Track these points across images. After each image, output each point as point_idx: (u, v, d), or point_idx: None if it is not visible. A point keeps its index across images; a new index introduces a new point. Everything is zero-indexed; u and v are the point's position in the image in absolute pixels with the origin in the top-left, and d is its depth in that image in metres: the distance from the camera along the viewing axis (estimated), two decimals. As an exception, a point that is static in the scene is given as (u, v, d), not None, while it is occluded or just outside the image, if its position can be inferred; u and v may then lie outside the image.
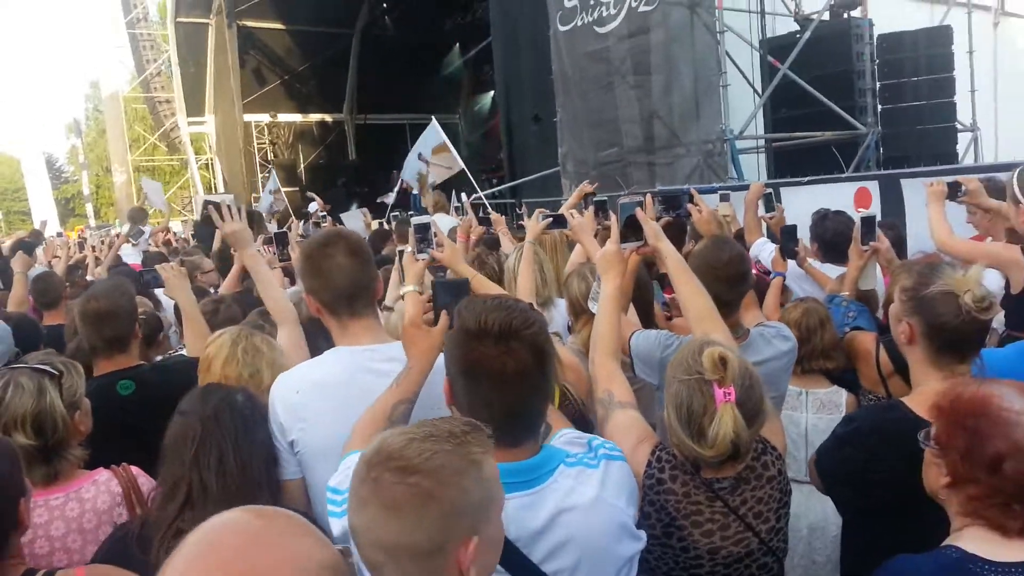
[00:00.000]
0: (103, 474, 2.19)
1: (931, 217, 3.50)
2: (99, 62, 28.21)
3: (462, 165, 10.02)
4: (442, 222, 8.30)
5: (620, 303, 2.32)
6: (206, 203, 8.99)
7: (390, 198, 14.62)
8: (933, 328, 2.00)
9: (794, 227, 4.06)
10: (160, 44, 25.05)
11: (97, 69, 29.94)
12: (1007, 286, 3.30)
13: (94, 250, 7.49)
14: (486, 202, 10.18)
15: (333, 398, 2.04)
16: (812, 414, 3.22)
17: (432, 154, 10.41)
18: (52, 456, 2.10)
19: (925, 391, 1.97)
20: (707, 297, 2.31)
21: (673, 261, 2.34)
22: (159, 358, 3.65)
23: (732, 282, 2.52)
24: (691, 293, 2.32)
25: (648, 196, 2.80)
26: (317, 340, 2.70)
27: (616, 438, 1.88)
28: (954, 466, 1.51)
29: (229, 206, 2.70)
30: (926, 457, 1.62)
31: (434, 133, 10.31)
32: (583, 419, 2.40)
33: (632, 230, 2.38)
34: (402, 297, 2.16)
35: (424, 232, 2.74)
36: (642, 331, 2.57)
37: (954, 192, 3.61)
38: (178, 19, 21.27)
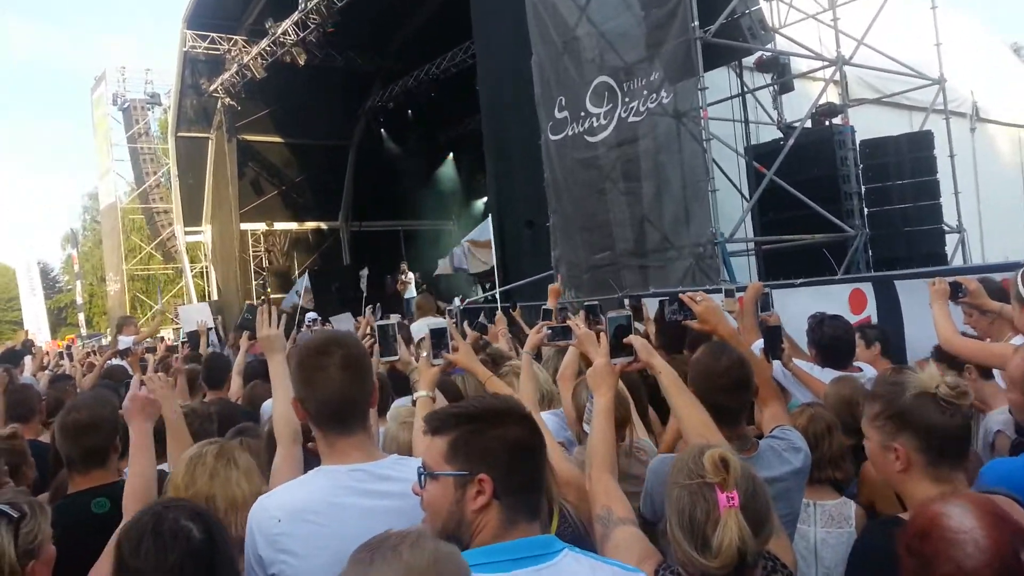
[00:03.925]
0: None
1: (936, 316, 3.45)
2: (98, 175, 28.80)
3: (493, 263, 10.33)
4: (422, 327, 8.32)
5: (613, 417, 2.25)
6: (249, 306, 9.26)
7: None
8: (926, 434, 1.90)
9: (778, 327, 4.01)
10: (160, 157, 25.78)
11: (96, 181, 30.58)
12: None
13: (83, 363, 7.38)
14: (499, 304, 10.25)
15: (318, 525, 1.88)
16: (821, 528, 3.06)
17: (474, 246, 10.75)
18: None
19: None
20: (702, 410, 2.29)
21: (666, 375, 2.34)
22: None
23: (732, 390, 2.43)
24: (685, 406, 2.29)
25: (659, 302, 2.78)
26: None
27: (618, 556, 1.77)
28: None
29: (271, 312, 2.72)
30: None
31: (486, 228, 10.69)
32: (582, 543, 2.26)
33: (622, 343, 2.39)
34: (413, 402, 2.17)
35: (440, 337, 2.73)
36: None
37: (955, 292, 3.58)
38: (179, 134, 21.95)
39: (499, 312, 6.26)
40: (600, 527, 1.97)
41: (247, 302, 17.64)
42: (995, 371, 3.63)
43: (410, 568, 1.09)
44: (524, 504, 1.59)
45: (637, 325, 5.72)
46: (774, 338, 3.83)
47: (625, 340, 2.38)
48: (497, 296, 10.97)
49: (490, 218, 11.32)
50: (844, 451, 3.03)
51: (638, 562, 1.79)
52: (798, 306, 4.73)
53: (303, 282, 17.21)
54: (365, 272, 17.23)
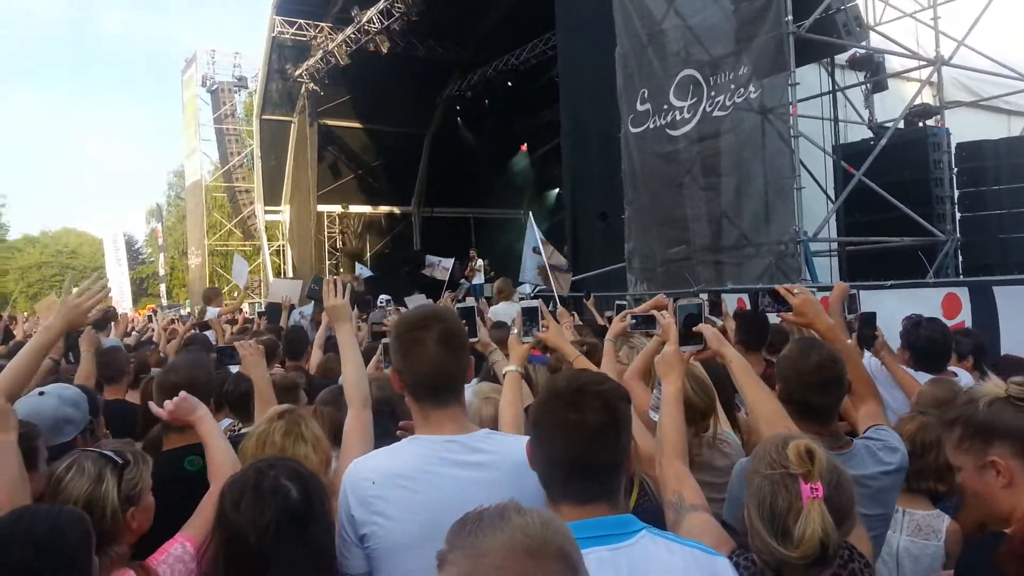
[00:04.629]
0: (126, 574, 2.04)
1: None
2: (185, 153, 29.91)
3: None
4: (505, 309, 8.37)
5: (682, 404, 2.24)
6: (316, 277, 9.59)
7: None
8: (1019, 435, 1.82)
9: (873, 314, 3.86)
10: (244, 138, 26.59)
11: (183, 159, 31.77)
12: None
13: (166, 330, 7.68)
14: (556, 295, 10.23)
15: (411, 491, 1.90)
16: (906, 536, 2.94)
17: (543, 245, 10.80)
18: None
19: None
20: (775, 401, 2.27)
21: (736, 364, 2.31)
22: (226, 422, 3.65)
23: (822, 388, 2.35)
24: (757, 397, 2.27)
25: (752, 294, 2.74)
26: (383, 419, 2.66)
27: None
28: None
29: (336, 283, 2.79)
30: None
31: (533, 227, 10.73)
32: (661, 517, 2.26)
33: (692, 332, 2.39)
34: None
35: (531, 316, 2.77)
36: None
37: None
38: (263, 116, 22.58)
39: (560, 308, 6.24)
40: (671, 513, 1.96)
41: (315, 274, 18.09)
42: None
43: (524, 530, 1.08)
44: (558, 484, 1.60)
45: (715, 319, 5.63)
46: (868, 324, 3.71)
47: (695, 328, 2.37)
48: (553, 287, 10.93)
49: (531, 215, 11.38)
50: (951, 464, 2.89)
51: (712, 548, 1.76)
52: (887, 309, 4.56)
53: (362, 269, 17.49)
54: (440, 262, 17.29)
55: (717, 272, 9.27)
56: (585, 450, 1.57)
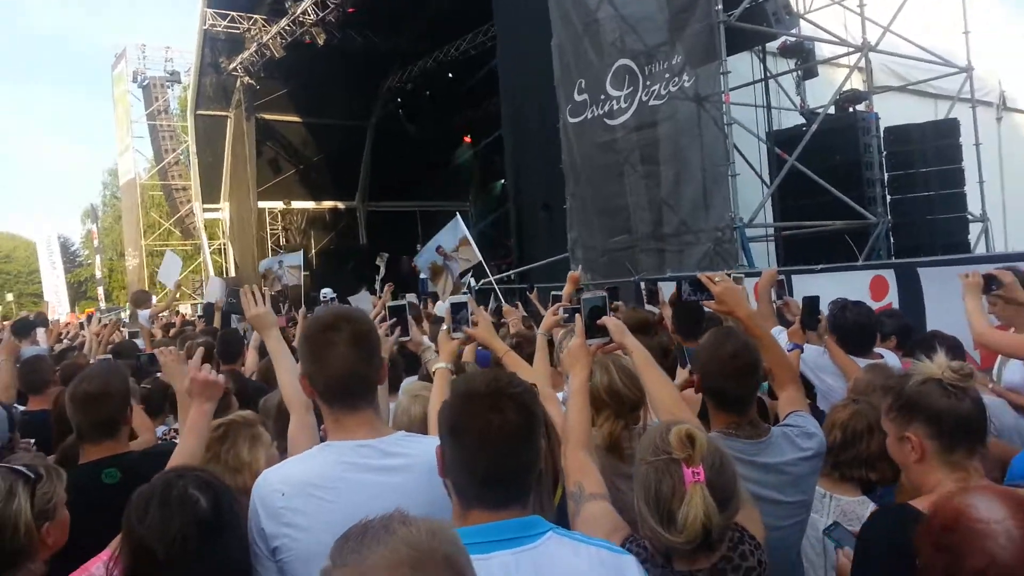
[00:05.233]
0: None
1: (969, 310, 3.42)
2: (118, 151, 28.96)
3: (480, 257, 10.34)
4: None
5: (588, 396, 2.24)
6: (232, 290, 9.40)
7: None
8: (935, 420, 1.90)
9: (816, 298, 3.92)
10: (179, 135, 25.85)
11: (116, 157, 30.79)
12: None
13: (98, 335, 7.40)
14: (496, 288, 10.22)
15: (323, 500, 1.83)
16: (831, 520, 3.01)
17: (453, 250, 10.69)
18: (5, 567, 1.89)
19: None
20: (672, 388, 2.34)
21: (637, 354, 2.34)
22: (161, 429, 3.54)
23: (738, 377, 2.35)
24: (656, 387, 2.30)
25: (676, 283, 2.73)
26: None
27: (586, 531, 1.75)
28: None
29: (254, 292, 2.73)
30: None
31: (458, 228, 10.60)
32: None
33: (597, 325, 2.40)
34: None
35: (460, 311, 2.75)
36: None
37: (989, 285, 3.52)
38: (198, 112, 21.95)
39: (506, 306, 6.23)
40: (572, 504, 1.95)
41: (231, 287, 17.64)
42: (1016, 361, 3.58)
43: (408, 542, 1.04)
44: (474, 488, 1.57)
45: (652, 308, 5.68)
46: (812, 309, 3.76)
47: (599, 322, 2.38)
48: (512, 276, 10.92)
49: (458, 216, 11.31)
50: (884, 452, 2.93)
51: (607, 535, 1.78)
52: (817, 292, 4.63)
53: (297, 258, 17.06)
54: (384, 257, 17.22)
55: (659, 259, 9.37)
56: (505, 453, 1.54)
